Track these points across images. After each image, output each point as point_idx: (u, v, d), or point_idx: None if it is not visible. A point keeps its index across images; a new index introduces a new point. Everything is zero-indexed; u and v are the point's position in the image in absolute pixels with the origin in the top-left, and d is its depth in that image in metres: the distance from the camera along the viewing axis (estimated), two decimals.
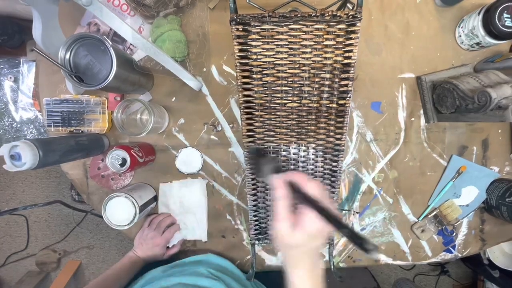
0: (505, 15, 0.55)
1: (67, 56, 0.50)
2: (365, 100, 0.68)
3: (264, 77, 0.49)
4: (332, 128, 0.53)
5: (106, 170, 0.69)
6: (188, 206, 0.69)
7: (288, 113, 0.52)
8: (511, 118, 0.51)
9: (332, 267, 0.63)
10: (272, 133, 0.54)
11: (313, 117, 0.52)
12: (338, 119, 0.52)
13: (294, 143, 0.55)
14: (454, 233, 0.70)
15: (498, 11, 0.55)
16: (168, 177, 0.70)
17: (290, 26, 0.45)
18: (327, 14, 0.43)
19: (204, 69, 0.67)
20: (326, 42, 0.46)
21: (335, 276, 0.61)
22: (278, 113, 0.52)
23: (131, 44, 0.65)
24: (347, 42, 0.46)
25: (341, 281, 0.60)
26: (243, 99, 0.51)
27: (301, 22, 0.44)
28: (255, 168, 0.39)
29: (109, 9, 0.50)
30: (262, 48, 0.47)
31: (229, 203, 0.70)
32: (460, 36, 0.64)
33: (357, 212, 0.70)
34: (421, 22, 0.66)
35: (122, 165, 0.58)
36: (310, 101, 0.51)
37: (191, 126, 0.68)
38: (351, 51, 0.46)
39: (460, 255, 0.71)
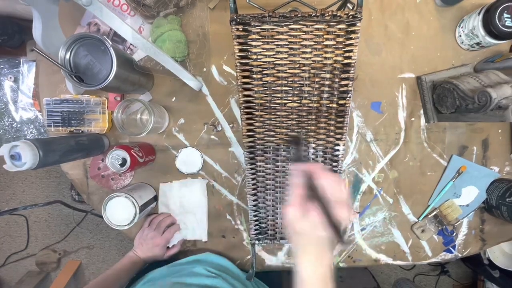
0: (505, 15, 0.55)
1: (67, 56, 0.50)
2: (365, 100, 0.68)
3: (264, 77, 0.49)
4: (332, 128, 0.53)
5: (106, 170, 0.69)
6: (188, 206, 0.69)
7: (288, 113, 0.52)
8: (511, 118, 0.51)
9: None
10: (272, 133, 0.54)
11: (313, 117, 0.52)
12: (338, 119, 0.52)
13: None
14: (454, 233, 0.70)
15: (498, 11, 0.55)
16: (168, 177, 0.70)
17: (290, 26, 0.45)
18: (327, 14, 0.43)
19: (204, 69, 0.67)
20: (326, 42, 0.46)
21: (335, 276, 0.61)
22: (278, 113, 0.52)
23: (131, 44, 0.65)
24: (347, 42, 0.46)
25: (341, 281, 0.60)
26: (243, 99, 0.51)
27: (301, 22, 0.44)
28: (292, 152, 0.41)
29: (109, 9, 0.50)
30: (262, 48, 0.47)
31: (229, 203, 0.70)
32: (460, 36, 0.64)
33: (357, 212, 0.70)
34: (421, 22, 0.66)
35: (122, 165, 0.58)
36: (310, 101, 0.51)
37: (191, 126, 0.68)
38: (351, 51, 0.46)
39: (460, 255, 0.71)
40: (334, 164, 0.55)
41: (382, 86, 0.67)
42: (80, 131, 0.66)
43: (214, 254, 0.68)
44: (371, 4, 0.65)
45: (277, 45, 0.47)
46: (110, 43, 0.49)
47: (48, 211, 1.59)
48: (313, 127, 0.53)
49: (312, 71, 0.49)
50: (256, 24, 0.45)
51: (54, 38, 0.56)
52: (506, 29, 0.55)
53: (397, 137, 0.68)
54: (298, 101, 0.51)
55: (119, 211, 0.59)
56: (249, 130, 0.53)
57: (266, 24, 0.45)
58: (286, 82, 0.50)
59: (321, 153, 0.55)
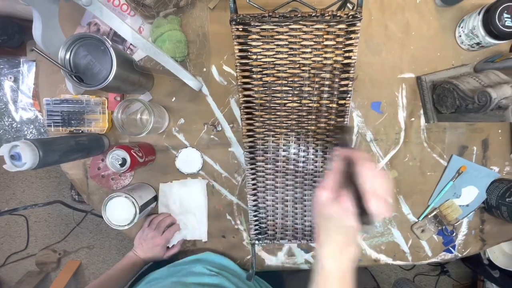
0: (505, 15, 0.55)
1: (67, 56, 0.50)
2: (365, 100, 0.68)
3: (264, 77, 0.49)
4: (332, 128, 0.53)
5: (106, 170, 0.69)
6: (188, 206, 0.69)
7: (288, 113, 0.52)
8: (511, 118, 0.51)
9: None
10: (272, 133, 0.54)
11: (313, 117, 0.52)
12: (338, 119, 0.52)
13: (294, 143, 0.55)
14: (454, 233, 0.70)
15: (498, 11, 0.55)
16: (168, 177, 0.70)
17: (290, 26, 0.45)
18: (327, 14, 0.43)
19: (204, 69, 0.67)
20: (326, 42, 0.46)
21: None
22: (278, 113, 0.52)
23: (131, 44, 0.65)
24: (347, 42, 0.46)
25: None
26: (243, 99, 0.51)
27: (301, 22, 0.44)
28: (338, 137, 0.42)
29: (109, 9, 0.50)
30: (262, 48, 0.47)
31: (229, 203, 0.70)
32: (460, 36, 0.64)
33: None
34: (421, 22, 0.66)
35: (122, 165, 0.58)
36: (310, 101, 0.51)
37: (191, 126, 0.68)
38: (351, 51, 0.46)
39: (460, 255, 0.71)
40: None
41: (382, 86, 0.67)
42: (80, 131, 0.66)
43: (214, 254, 0.68)
44: (371, 4, 0.65)
45: (277, 45, 0.47)
46: (110, 43, 0.49)
47: (48, 211, 1.59)
48: (313, 127, 0.53)
49: (312, 71, 0.49)
50: (256, 24, 0.45)
51: (54, 38, 0.56)
52: (506, 29, 0.55)
53: (397, 137, 0.68)
54: (298, 101, 0.51)
55: (119, 211, 0.59)
56: (249, 130, 0.53)
57: (266, 24, 0.45)
58: (286, 82, 0.50)
59: (321, 153, 0.55)
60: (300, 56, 0.48)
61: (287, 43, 0.47)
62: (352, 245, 0.36)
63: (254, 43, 0.47)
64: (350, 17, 0.43)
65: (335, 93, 0.50)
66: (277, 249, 0.71)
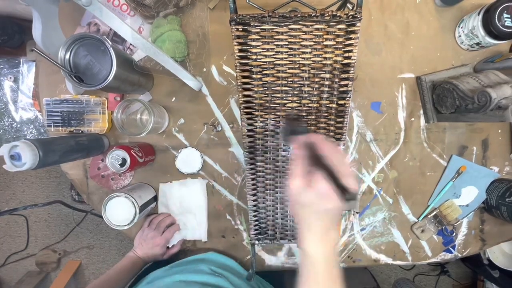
0: (505, 15, 0.55)
1: (67, 56, 0.50)
2: (365, 100, 0.68)
3: (264, 77, 0.49)
4: (332, 128, 0.53)
5: (106, 170, 0.69)
6: (188, 206, 0.69)
7: (288, 113, 0.52)
8: (511, 118, 0.51)
9: None
10: (272, 133, 0.54)
11: (313, 117, 0.52)
12: (338, 119, 0.52)
13: None
14: (454, 233, 0.70)
15: (498, 11, 0.55)
16: (168, 177, 0.70)
17: (290, 26, 0.45)
18: (327, 14, 0.43)
19: (204, 69, 0.67)
20: (326, 42, 0.46)
21: None
22: (278, 113, 0.52)
23: (131, 44, 0.65)
24: (347, 42, 0.46)
25: None
26: (243, 99, 0.51)
27: (301, 22, 0.44)
28: (284, 131, 0.42)
29: (109, 9, 0.50)
30: (262, 48, 0.47)
31: (229, 203, 0.70)
32: (460, 36, 0.64)
33: (357, 212, 0.70)
34: (421, 22, 0.66)
35: (122, 165, 0.58)
36: (310, 101, 0.51)
37: (191, 126, 0.68)
38: (351, 51, 0.46)
39: (460, 255, 0.71)
40: None
41: (382, 86, 0.67)
42: (80, 131, 0.66)
43: (218, 254, 0.68)
44: (371, 4, 0.65)
45: (277, 45, 0.47)
46: (110, 43, 0.49)
47: (48, 211, 1.59)
48: (313, 127, 0.53)
49: (312, 71, 0.49)
50: (256, 24, 0.45)
51: (54, 38, 0.57)
52: (506, 29, 0.55)
53: (397, 137, 0.68)
54: (298, 101, 0.51)
55: (119, 211, 0.59)
56: (249, 130, 0.53)
57: (266, 24, 0.45)
58: (285, 82, 0.50)
59: None
60: (300, 56, 0.48)
61: (287, 43, 0.47)
62: (332, 228, 0.36)
63: (254, 43, 0.47)
64: (350, 17, 0.43)
65: (335, 93, 0.50)
66: (277, 249, 0.71)
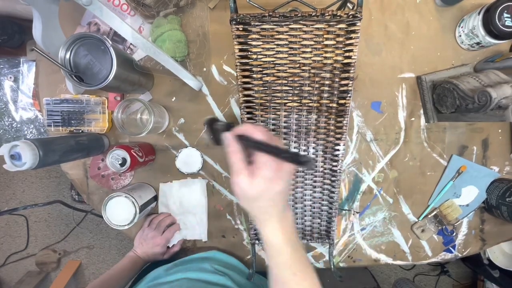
0: (505, 14, 0.55)
1: (67, 56, 0.50)
2: (365, 100, 0.68)
3: (264, 76, 0.49)
4: (332, 127, 0.53)
5: (106, 170, 0.69)
6: (188, 206, 0.69)
7: (288, 112, 0.52)
8: (511, 118, 0.51)
9: (332, 267, 0.63)
10: (273, 132, 0.54)
11: (314, 116, 0.52)
12: (338, 119, 0.52)
13: (294, 143, 0.55)
14: (454, 233, 0.70)
15: (498, 11, 0.55)
16: (168, 177, 0.70)
17: (290, 26, 0.45)
18: (327, 14, 0.43)
19: (204, 69, 0.67)
20: (326, 42, 0.46)
21: (335, 276, 0.61)
22: (278, 112, 0.52)
23: (131, 43, 0.65)
24: (347, 42, 0.46)
25: (341, 281, 0.60)
26: (243, 98, 0.51)
27: (301, 22, 0.44)
28: (213, 138, 0.41)
29: (109, 9, 0.50)
30: (262, 48, 0.47)
31: (229, 203, 0.70)
32: (460, 36, 0.64)
33: (357, 212, 0.70)
34: (421, 22, 0.66)
35: (122, 165, 0.58)
36: (310, 101, 0.51)
37: (191, 126, 0.68)
38: (351, 50, 0.46)
39: (460, 255, 0.71)
40: (334, 164, 0.55)
41: (382, 86, 0.67)
42: (80, 131, 0.66)
43: (220, 252, 0.68)
44: (371, 4, 0.65)
45: (277, 44, 0.47)
46: (110, 42, 0.49)
47: (48, 211, 1.59)
48: (313, 127, 0.53)
49: (312, 70, 0.49)
50: (256, 23, 0.45)
51: (54, 38, 0.57)
52: (506, 29, 0.55)
53: (397, 137, 0.68)
54: (298, 101, 0.51)
55: (119, 211, 0.59)
56: None
57: (266, 23, 0.45)
58: (286, 81, 0.50)
59: (321, 152, 0.55)
60: (300, 55, 0.48)
61: (287, 42, 0.47)
62: (286, 207, 0.36)
63: (254, 43, 0.47)
64: (350, 16, 0.43)
65: (335, 92, 0.50)
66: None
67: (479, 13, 0.58)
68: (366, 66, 0.67)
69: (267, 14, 0.43)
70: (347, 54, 0.47)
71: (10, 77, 0.97)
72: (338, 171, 0.55)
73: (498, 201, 0.64)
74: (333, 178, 0.56)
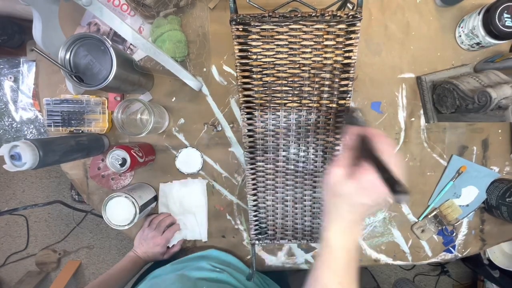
0: (505, 15, 0.55)
1: (67, 56, 0.50)
2: (365, 100, 0.68)
3: (264, 77, 0.49)
4: (332, 128, 0.53)
5: (106, 170, 0.69)
6: (188, 206, 0.69)
7: (288, 112, 0.52)
8: (511, 118, 0.51)
9: None
10: (272, 133, 0.54)
11: (313, 117, 0.52)
12: (338, 119, 0.52)
13: (294, 143, 0.55)
14: (454, 233, 0.70)
15: (498, 11, 0.55)
16: (168, 177, 0.70)
17: (290, 26, 0.45)
18: (327, 14, 0.43)
19: (204, 69, 0.67)
20: (326, 42, 0.46)
21: None
22: (278, 113, 0.52)
23: (131, 44, 0.65)
24: (347, 42, 0.46)
25: None
26: (243, 99, 0.51)
27: (301, 22, 0.44)
28: (346, 122, 0.43)
29: (109, 9, 0.50)
30: (262, 48, 0.47)
31: (229, 203, 0.70)
32: (460, 36, 0.64)
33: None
34: (421, 22, 0.66)
35: (122, 165, 0.58)
36: (310, 101, 0.51)
37: (191, 126, 0.68)
38: (351, 51, 0.46)
39: (460, 255, 0.71)
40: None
41: (382, 86, 0.67)
42: (80, 131, 0.66)
43: (218, 250, 0.68)
44: (371, 4, 0.65)
45: (277, 45, 0.47)
46: (110, 43, 0.49)
47: (48, 211, 1.59)
48: (313, 127, 0.53)
49: (312, 71, 0.49)
50: (256, 24, 0.45)
51: (54, 38, 0.57)
52: (506, 29, 0.55)
53: (397, 137, 0.68)
54: (298, 101, 0.51)
55: (119, 211, 0.59)
56: (249, 130, 0.53)
57: (266, 24, 0.45)
58: (286, 82, 0.50)
59: (321, 153, 0.55)
60: (300, 56, 0.48)
61: (287, 43, 0.47)
62: (360, 224, 0.36)
63: (254, 43, 0.47)
64: (350, 17, 0.43)
65: (335, 93, 0.50)
66: (277, 249, 0.71)
67: (479, 13, 0.58)
68: (366, 66, 0.67)
69: (267, 15, 0.43)
70: (347, 54, 0.47)
71: (10, 77, 0.97)
72: None
73: (498, 201, 0.64)
74: None
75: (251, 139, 0.54)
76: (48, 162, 0.51)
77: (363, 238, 0.71)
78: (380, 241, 0.71)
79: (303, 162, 0.56)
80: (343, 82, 0.49)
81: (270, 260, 0.71)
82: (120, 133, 0.68)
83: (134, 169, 0.60)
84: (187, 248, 0.71)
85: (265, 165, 0.56)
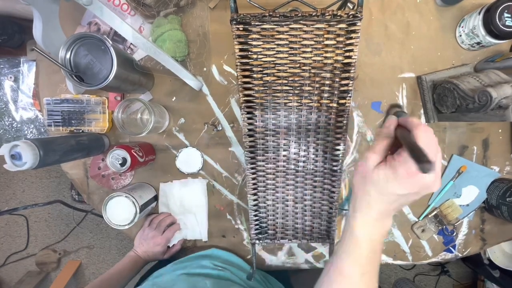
0: (505, 14, 0.55)
1: (68, 55, 0.50)
2: (365, 100, 0.68)
3: (264, 76, 0.49)
4: (332, 127, 0.53)
5: (106, 169, 0.69)
6: (188, 205, 0.69)
7: (288, 112, 0.52)
8: None
9: None
10: (273, 132, 0.54)
11: (314, 116, 0.52)
12: (339, 119, 0.52)
13: (295, 142, 0.55)
14: (455, 233, 0.70)
15: (498, 11, 0.55)
16: (169, 177, 0.70)
17: (290, 26, 0.45)
18: (328, 14, 0.43)
19: (205, 69, 0.67)
20: (326, 42, 0.46)
21: None
22: (278, 112, 0.52)
23: (131, 43, 0.65)
24: (348, 42, 0.46)
25: None
26: (243, 98, 0.51)
27: (301, 22, 0.44)
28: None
29: (110, 9, 0.50)
30: (263, 48, 0.47)
31: (229, 203, 0.70)
32: (460, 35, 0.64)
33: None
34: (422, 22, 0.66)
35: (122, 164, 0.58)
36: (310, 101, 0.51)
37: (191, 125, 0.68)
38: (351, 50, 0.46)
39: (460, 255, 0.71)
40: (335, 164, 0.55)
41: (382, 85, 0.67)
42: (80, 131, 0.66)
43: (220, 250, 0.68)
44: (372, 3, 0.65)
45: (278, 44, 0.47)
46: (111, 42, 0.49)
47: (48, 211, 1.59)
48: (313, 127, 0.53)
49: (313, 70, 0.49)
50: (256, 23, 0.45)
51: (55, 37, 0.57)
52: (507, 29, 0.55)
53: None
54: (299, 101, 0.51)
55: (119, 211, 0.59)
56: (249, 130, 0.53)
57: (266, 23, 0.45)
58: (286, 81, 0.50)
59: (321, 152, 0.55)
60: (301, 55, 0.48)
61: (287, 42, 0.47)
62: (389, 218, 0.35)
63: (254, 43, 0.47)
64: (351, 16, 0.43)
65: (336, 92, 0.50)
66: (278, 248, 0.71)
67: (479, 13, 0.58)
68: (366, 66, 0.67)
69: (267, 14, 0.43)
70: (347, 54, 0.47)
71: (10, 77, 0.97)
72: (339, 171, 0.55)
73: (499, 201, 0.64)
74: (333, 178, 0.56)
75: (251, 138, 0.54)
76: (49, 162, 0.51)
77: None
78: None
79: (304, 161, 0.56)
80: (343, 82, 0.49)
81: (271, 260, 0.71)
82: (121, 132, 0.68)
83: (134, 169, 0.60)
84: (188, 248, 0.71)
85: (266, 165, 0.56)
